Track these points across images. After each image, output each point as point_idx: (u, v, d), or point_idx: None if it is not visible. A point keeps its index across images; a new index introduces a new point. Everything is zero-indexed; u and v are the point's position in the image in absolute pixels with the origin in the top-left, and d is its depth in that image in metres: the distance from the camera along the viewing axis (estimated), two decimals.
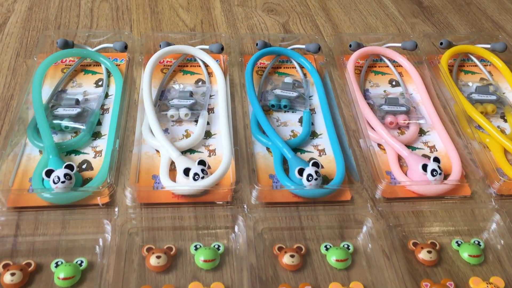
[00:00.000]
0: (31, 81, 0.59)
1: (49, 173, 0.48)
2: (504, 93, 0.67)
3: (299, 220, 0.50)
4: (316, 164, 0.52)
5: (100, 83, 0.63)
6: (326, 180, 0.54)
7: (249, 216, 0.49)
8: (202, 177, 0.50)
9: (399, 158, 0.57)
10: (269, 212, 0.50)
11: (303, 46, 0.69)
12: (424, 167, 0.53)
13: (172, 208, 0.50)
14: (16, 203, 0.49)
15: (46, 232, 0.47)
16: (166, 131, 0.58)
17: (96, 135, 0.57)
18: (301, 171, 0.51)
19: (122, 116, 0.58)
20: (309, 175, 0.51)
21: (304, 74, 0.68)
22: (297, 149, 0.57)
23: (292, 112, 0.62)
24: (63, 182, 0.48)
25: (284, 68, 0.69)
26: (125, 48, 0.65)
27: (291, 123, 0.61)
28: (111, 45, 0.66)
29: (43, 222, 0.48)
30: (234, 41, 0.70)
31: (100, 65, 0.65)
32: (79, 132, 0.56)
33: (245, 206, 0.50)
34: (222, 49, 0.66)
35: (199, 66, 0.67)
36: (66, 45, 0.65)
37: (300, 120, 0.61)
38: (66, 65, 0.65)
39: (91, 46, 0.67)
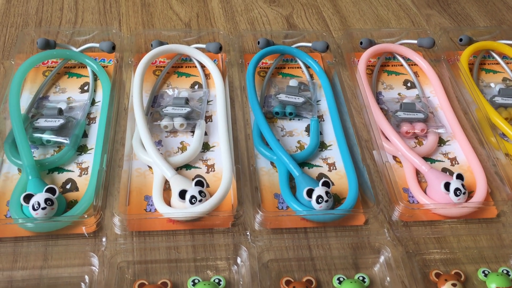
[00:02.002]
0: (8, 86, 0.53)
1: (28, 198, 0.43)
2: None
3: (308, 248, 0.45)
4: (326, 184, 0.47)
5: (86, 88, 0.57)
6: (337, 199, 0.49)
7: (253, 245, 0.44)
8: (200, 200, 0.45)
9: (417, 171, 0.51)
10: (275, 239, 0.45)
11: (310, 45, 0.62)
12: (447, 186, 0.47)
13: (167, 236, 0.45)
14: None
15: (26, 265, 0.42)
16: (159, 143, 0.53)
17: (82, 149, 0.51)
18: (310, 192, 0.46)
19: (111, 126, 0.52)
20: (319, 196, 0.45)
21: (311, 75, 0.61)
22: (304, 163, 0.52)
23: (298, 119, 0.56)
24: (43, 208, 0.43)
25: (288, 68, 0.63)
26: (112, 48, 0.59)
27: (297, 132, 0.55)
28: (97, 44, 0.60)
29: (22, 254, 0.43)
30: (233, 38, 0.64)
31: (86, 67, 0.59)
32: (62, 147, 0.51)
33: (248, 234, 0.45)
34: (221, 48, 0.60)
35: (195, 66, 0.61)
36: (47, 45, 0.58)
37: (307, 129, 0.55)
38: (48, 67, 0.59)
39: (75, 45, 0.61)
